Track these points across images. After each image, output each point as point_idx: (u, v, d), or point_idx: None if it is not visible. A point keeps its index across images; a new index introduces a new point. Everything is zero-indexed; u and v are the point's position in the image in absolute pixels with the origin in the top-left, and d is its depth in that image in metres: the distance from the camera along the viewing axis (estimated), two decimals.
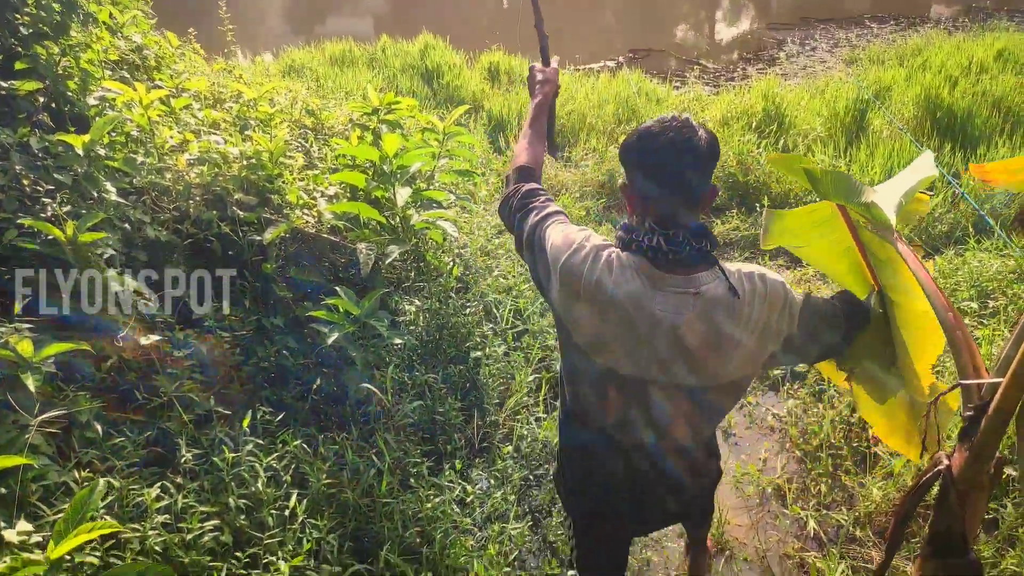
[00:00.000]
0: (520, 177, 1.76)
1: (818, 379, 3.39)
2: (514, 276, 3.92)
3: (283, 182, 3.25)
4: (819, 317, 1.55)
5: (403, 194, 3.09)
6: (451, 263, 3.56)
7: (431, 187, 3.77)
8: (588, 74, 8.48)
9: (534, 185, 1.73)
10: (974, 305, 3.58)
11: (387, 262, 2.95)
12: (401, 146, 3.31)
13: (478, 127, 6.39)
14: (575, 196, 5.25)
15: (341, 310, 2.77)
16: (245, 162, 3.18)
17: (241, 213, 3.07)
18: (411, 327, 3.27)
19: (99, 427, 2.11)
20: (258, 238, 3.01)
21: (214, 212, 3.00)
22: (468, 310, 3.44)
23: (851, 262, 1.83)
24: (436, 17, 8.15)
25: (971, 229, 4.42)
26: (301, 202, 3.24)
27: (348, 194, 3.36)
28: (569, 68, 8.83)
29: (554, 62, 2.15)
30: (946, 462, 1.45)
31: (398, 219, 3.20)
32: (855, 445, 3.01)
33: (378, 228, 3.18)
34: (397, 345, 2.97)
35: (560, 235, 1.52)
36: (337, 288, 2.84)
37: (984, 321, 3.50)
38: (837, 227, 1.77)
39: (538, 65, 2.07)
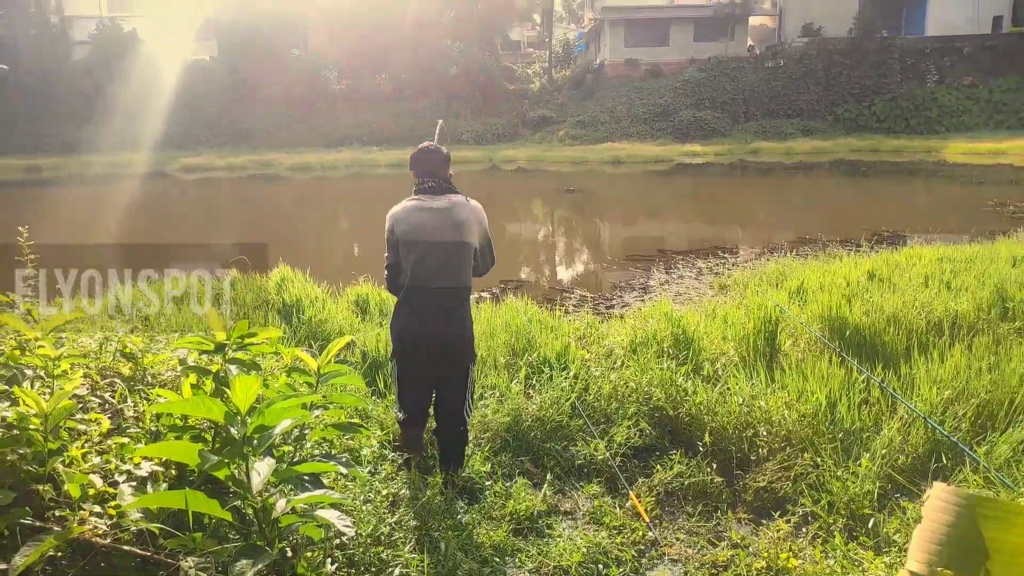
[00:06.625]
0: None
1: None
2: (420, 570, 2.76)
3: (63, 462, 2.05)
4: (488, 245, 3.75)
5: (262, 471, 1.97)
6: (332, 570, 2.35)
7: (300, 453, 2.66)
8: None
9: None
10: None
11: None
12: (259, 395, 2.22)
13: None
14: (479, 443, 4.24)
15: None
16: None
17: None
18: None
19: None
20: (2, 567, 1.76)
21: None
22: None
23: None
24: (292, 254, 7.37)
25: None
26: (92, 493, 2.03)
27: (173, 475, 2.19)
28: None
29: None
30: None
31: (253, 511, 2.04)
32: None
33: (219, 529, 2.01)
34: None
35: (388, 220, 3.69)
36: None
37: None
38: None
39: None
